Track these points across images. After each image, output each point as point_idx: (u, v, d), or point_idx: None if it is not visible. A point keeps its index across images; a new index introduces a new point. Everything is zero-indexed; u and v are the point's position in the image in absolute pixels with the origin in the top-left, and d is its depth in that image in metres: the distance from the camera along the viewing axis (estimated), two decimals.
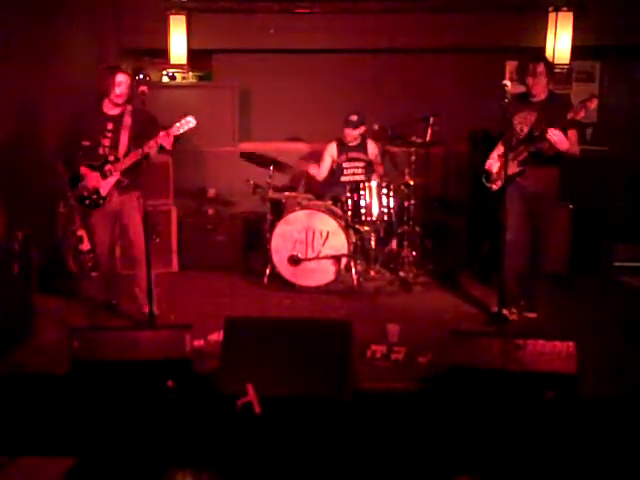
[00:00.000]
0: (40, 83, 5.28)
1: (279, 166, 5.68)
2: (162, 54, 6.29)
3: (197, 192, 6.39)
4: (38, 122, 5.38)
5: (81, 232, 5.29)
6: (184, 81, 7.32)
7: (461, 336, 3.47)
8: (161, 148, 4.31)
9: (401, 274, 5.54)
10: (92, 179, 4.37)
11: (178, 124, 4.30)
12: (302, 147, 6.66)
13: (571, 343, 3.20)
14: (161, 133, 4.25)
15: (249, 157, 5.73)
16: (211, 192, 6.41)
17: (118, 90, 4.33)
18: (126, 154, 4.35)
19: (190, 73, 7.35)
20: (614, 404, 3.32)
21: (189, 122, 4.32)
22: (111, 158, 4.35)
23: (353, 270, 5.41)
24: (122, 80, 4.36)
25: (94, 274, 5.31)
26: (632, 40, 6.26)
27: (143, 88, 4.03)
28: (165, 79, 7.85)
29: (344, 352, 3.36)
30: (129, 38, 6.42)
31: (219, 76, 6.96)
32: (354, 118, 5.74)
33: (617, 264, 5.77)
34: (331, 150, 5.95)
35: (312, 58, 6.69)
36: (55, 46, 5.69)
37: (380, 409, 3.31)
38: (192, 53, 6.19)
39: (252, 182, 5.74)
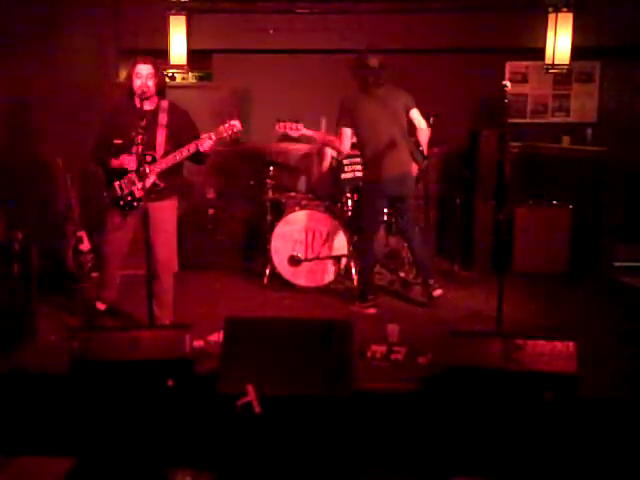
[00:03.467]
0: (40, 83, 5.28)
1: (279, 166, 5.69)
2: (162, 54, 6.28)
3: (197, 192, 6.38)
4: (38, 122, 5.38)
5: (81, 232, 5.28)
6: (184, 81, 7.32)
7: (461, 336, 3.47)
8: (197, 153, 4.08)
9: (401, 274, 5.55)
10: (128, 162, 4.02)
11: (222, 128, 4.06)
12: (302, 147, 6.65)
13: (571, 343, 3.20)
14: (203, 136, 4.03)
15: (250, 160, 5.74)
16: (211, 192, 6.40)
17: (139, 82, 3.99)
18: (164, 155, 4.06)
19: (190, 73, 7.34)
20: (614, 404, 3.32)
21: (235, 126, 4.07)
22: (148, 158, 4.00)
23: (353, 270, 5.42)
24: (141, 72, 4.03)
25: (94, 274, 5.30)
26: (632, 40, 6.26)
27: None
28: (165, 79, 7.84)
29: (344, 352, 3.36)
30: (129, 38, 6.41)
31: (219, 76, 6.95)
32: None
33: (617, 264, 5.78)
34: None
35: (312, 58, 6.69)
36: (55, 46, 5.69)
37: (380, 409, 3.31)
38: (192, 53, 6.19)
39: (252, 182, 5.75)
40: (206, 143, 4.04)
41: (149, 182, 3.99)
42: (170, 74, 6.33)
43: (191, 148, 4.03)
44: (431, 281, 4.96)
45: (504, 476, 2.97)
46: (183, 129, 4.15)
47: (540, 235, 5.77)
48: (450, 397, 3.24)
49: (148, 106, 4.05)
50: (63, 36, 5.82)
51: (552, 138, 6.63)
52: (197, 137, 4.11)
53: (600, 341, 4.09)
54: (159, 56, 6.66)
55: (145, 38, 6.34)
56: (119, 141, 4.07)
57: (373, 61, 4.74)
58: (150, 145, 4.02)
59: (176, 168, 4.14)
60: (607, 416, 3.22)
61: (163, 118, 4.10)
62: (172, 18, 6.03)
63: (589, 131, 6.77)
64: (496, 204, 4.93)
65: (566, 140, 6.66)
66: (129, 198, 4.13)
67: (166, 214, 4.21)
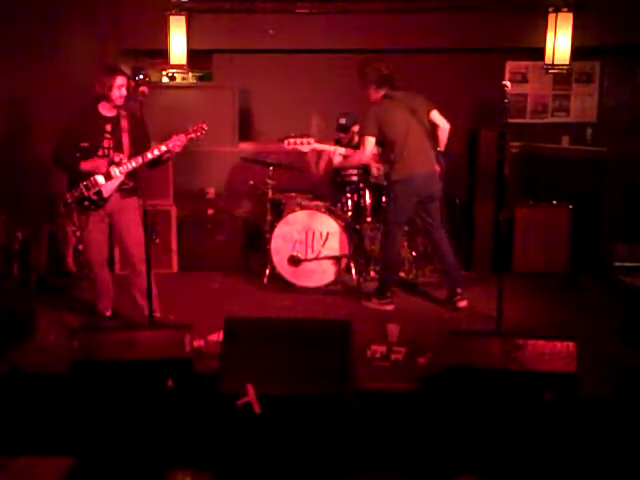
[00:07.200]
0: (40, 83, 5.29)
1: (279, 166, 5.68)
2: (162, 54, 6.28)
3: (197, 192, 6.38)
4: (38, 122, 5.38)
5: (81, 232, 5.29)
6: (184, 81, 7.32)
7: (461, 336, 3.47)
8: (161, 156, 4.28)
9: (401, 274, 5.54)
10: (100, 166, 4.23)
11: (191, 129, 4.28)
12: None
13: (571, 343, 3.20)
14: (173, 137, 4.23)
15: (250, 160, 5.75)
16: (211, 192, 6.41)
17: (118, 93, 4.23)
18: (130, 157, 4.26)
19: (190, 73, 7.35)
20: (614, 404, 3.32)
21: (202, 129, 4.29)
22: (117, 159, 4.24)
23: (353, 270, 5.41)
24: (123, 83, 4.26)
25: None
26: (632, 40, 6.25)
27: (143, 89, 4.03)
28: (165, 79, 7.84)
29: (344, 352, 3.36)
30: (129, 38, 6.41)
31: (219, 76, 6.95)
32: (343, 121, 5.68)
33: (617, 264, 5.77)
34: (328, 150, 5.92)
35: (312, 58, 6.68)
36: (55, 46, 5.70)
37: (380, 409, 3.31)
38: (192, 53, 6.19)
39: (252, 182, 5.75)
40: (178, 143, 4.23)
41: (117, 182, 4.25)
42: (170, 74, 6.34)
43: (160, 149, 4.23)
44: (459, 290, 4.88)
45: (504, 476, 2.96)
46: (140, 134, 4.36)
47: (540, 235, 5.78)
48: (450, 397, 3.24)
49: (111, 113, 4.30)
50: (63, 36, 5.83)
51: (552, 138, 6.62)
52: (149, 144, 4.33)
53: (600, 341, 4.09)
54: (159, 56, 6.71)
55: (145, 38, 6.35)
56: (85, 144, 4.26)
57: (384, 68, 4.81)
58: (118, 148, 4.27)
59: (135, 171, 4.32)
60: (607, 416, 3.22)
61: (125, 124, 4.33)
62: (172, 18, 6.03)
63: (589, 131, 6.77)
64: (496, 204, 4.93)
65: (566, 140, 6.66)
66: (95, 197, 4.27)
67: (132, 213, 4.39)
